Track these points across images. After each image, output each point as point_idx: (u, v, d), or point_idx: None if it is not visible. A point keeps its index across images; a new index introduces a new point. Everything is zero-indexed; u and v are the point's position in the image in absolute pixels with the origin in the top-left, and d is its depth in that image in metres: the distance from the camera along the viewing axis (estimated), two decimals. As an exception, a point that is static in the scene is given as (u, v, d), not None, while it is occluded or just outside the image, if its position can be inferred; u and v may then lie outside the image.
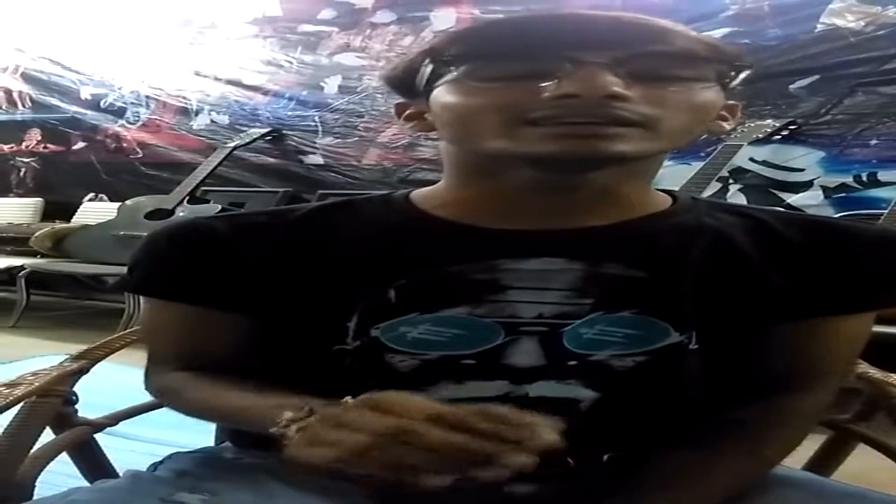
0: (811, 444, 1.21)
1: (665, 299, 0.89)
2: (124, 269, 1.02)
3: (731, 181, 4.45)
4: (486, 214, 0.92)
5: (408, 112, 0.97)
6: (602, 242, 0.91)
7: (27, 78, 7.09)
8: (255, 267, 0.94)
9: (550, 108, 0.80)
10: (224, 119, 6.27)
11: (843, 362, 1.00)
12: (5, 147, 7.12)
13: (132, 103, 6.63)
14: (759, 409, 0.93)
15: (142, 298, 1.02)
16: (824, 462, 1.23)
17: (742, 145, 4.12)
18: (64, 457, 1.18)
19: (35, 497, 1.03)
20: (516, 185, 0.89)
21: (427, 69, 0.88)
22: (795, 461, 1.04)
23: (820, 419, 1.02)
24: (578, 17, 0.83)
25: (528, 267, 0.90)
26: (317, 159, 5.87)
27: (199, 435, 1.24)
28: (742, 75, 0.88)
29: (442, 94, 0.88)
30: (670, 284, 0.90)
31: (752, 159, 4.41)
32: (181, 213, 5.05)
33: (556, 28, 0.83)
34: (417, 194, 1.00)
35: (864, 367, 1.17)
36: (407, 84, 0.93)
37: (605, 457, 0.92)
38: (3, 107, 7.18)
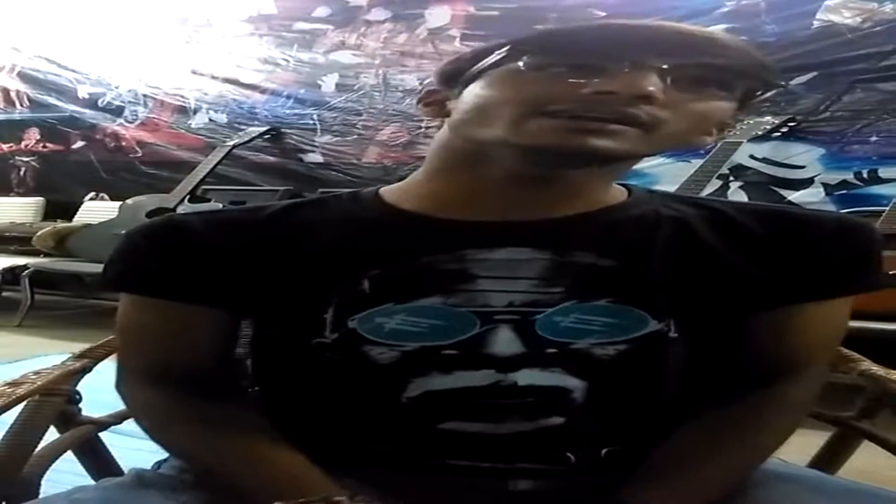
0: (816, 441, 1.22)
1: (638, 287, 0.90)
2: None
3: (731, 179, 4.46)
4: (455, 207, 0.94)
5: (429, 99, 0.98)
6: (567, 233, 0.92)
7: (24, 77, 7.10)
8: (231, 262, 0.94)
9: (574, 102, 0.80)
10: (222, 117, 6.27)
11: (824, 349, 1.00)
12: (4, 146, 7.13)
13: (130, 102, 6.64)
14: (748, 399, 0.93)
15: (120, 298, 1.00)
16: (829, 459, 1.23)
17: (741, 142, 4.12)
18: (69, 455, 1.18)
19: (41, 495, 1.03)
20: (495, 176, 0.91)
21: (494, 57, 0.87)
22: (800, 458, 1.04)
23: (809, 408, 1.02)
24: (629, 24, 0.85)
25: (497, 257, 0.91)
26: (316, 157, 5.88)
27: (204, 433, 1.24)
28: (769, 94, 0.90)
29: (480, 82, 0.88)
30: (641, 272, 0.91)
31: (751, 156, 4.41)
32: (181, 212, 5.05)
33: (626, 34, 0.84)
34: (386, 191, 1.01)
35: (868, 365, 1.17)
36: (456, 74, 0.93)
37: (604, 452, 0.92)
38: (2, 106, 7.19)
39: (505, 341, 0.89)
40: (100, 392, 1.25)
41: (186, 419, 0.94)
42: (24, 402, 1.09)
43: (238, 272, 0.94)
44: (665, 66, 0.80)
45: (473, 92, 0.89)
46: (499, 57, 0.86)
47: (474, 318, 0.89)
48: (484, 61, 0.88)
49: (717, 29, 3.98)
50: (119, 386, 1.00)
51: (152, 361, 0.97)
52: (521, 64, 0.84)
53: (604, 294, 0.90)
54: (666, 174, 4.04)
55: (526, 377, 0.89)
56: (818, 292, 0.93)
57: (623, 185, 1.01)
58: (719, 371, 0.94)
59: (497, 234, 0.92)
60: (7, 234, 5.99)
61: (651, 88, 0.79)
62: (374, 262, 0.92)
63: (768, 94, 0.90)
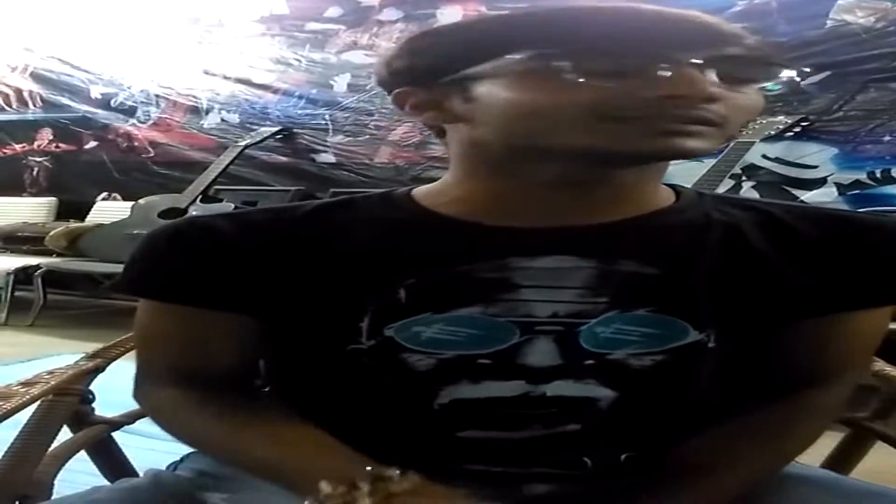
0: (829, 442, 1.21)
1: (680, 297, 0.88)
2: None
3: (743, 178, 4.44)
4: (494, 212, 0.89)
5: (414, 101, 0.91)
6: (613, 239, 0.89)
7: (37, 77, 7.10)
8: (257, 266, 0.91)
9: (646, 106, 0.78)
10: (234, 118, 6.27)
11: (862, 356, 0.99)
12: (17, 146, 7.14)
13: (142, 102, 6.64)
14: (778, 405, 0.92)
15: (139, 302, 0.97)
16: (842, 460, 1.23)
17: (754, 142, 4.11)
18: (83, 455, 1.19)
19: (55, 495, 1.03)
20: (537, 181, 0.87)
21: (469, 53, 0.83)
22: (814, 459, 1.04)
23: (838, 415, 1.01)
24: (667, 15, 0.81)
25: (540, 265, 0.87)
26: (329, 158, 5.87)
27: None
28: (783, 78, 0.88)
29: (496, 84, 0.83)
30: (685, 281, 0.88)
31: (764, 156, 4.39)
32: (194, 212, 5.06)
33: (647, 24, 0.81)
34: (420, 192, 0.97)
35: (881, 365, 1.17)
36: (430, 71, 0.88)
37: (622, 457, 0.91)
38: (14, 106, 7.19)
39: (542, 352, 0.87)
40: (113, 392, 1.26)
41: (210, 412, 0.91)
42: (37, 402, 1.10)
43: (265, 277, 0.90)
44: (700, 62, 0.78)
45: (502, 96, 0.83)
46: (470, 58, 0.83)
47: (514, 329, 0.87)
48: (489, 63, 0.82)
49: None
50: (137, 391, 0.98)
51: (174, 366, 0.94)
52: (551, 63, 0.79)
53: (646, 303, 0.87)
54: (678, 174, 3.95)
55: (557, 388, 0.87)
56: (869, 300, 0.91)
57: (671, 186, 0.98)
58: (751, 379, 0.92)
59: (541, 242, 0.88)
60: (20, 233, 6.01)
61: (713, 89, 0.78)
62: (411, 269, 0.88)
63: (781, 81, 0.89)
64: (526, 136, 0.84)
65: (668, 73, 0.78)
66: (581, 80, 0.79)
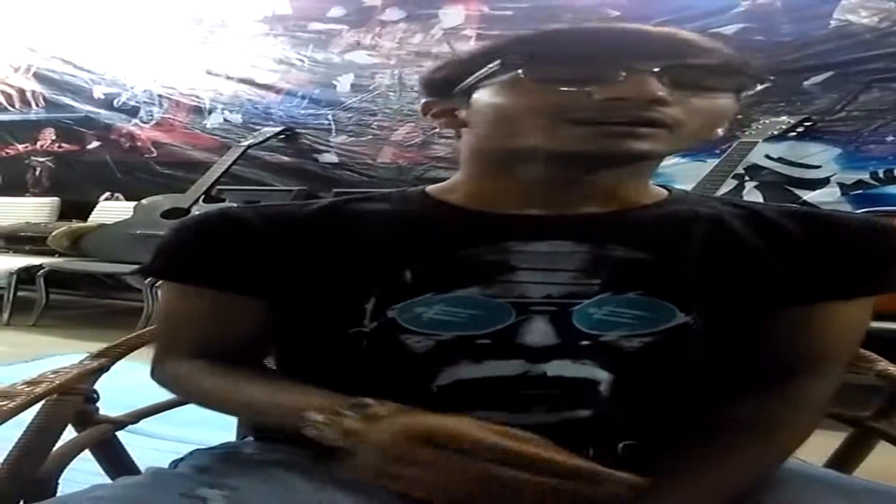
0: (833, 442, 1.21)
1: (669, 281, 0.93)
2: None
3: (746, 178, 4.44)
4: (498, 202, 0.98)
5: (435, 110, 1.02)
6: (606, 227, 0.96)
7: (40, 77, 7.11)
8: (278, 254, 0.99)
9: (596, 109, 0.86)
10: (237, 118, 6.28)
11: (844, 349, 1.01)
12: (20, 147, 7.15)
13: (145, 102, 6.65)
14: (766, 396, 0.94)
15: (162, 286, 1.05)
16: (846, 459, 1.23)
17: (757, 142, 4.12)
18: (87, 454, 1.19)
19: (58, 494, 1.04)
20: (534, 178, 0.95)
21: (486, 69, 0.92)
22: (817, 458, 1.04)
23: (828, 407, 1.02)
24: (634, 31, 0.90)
25: (537, 249, 0.94)
26: (331, 158, 5.88)
27: (221, 431, 1.25)
28: (758, 88, 0.99)
29: (489, 94, 0.93)
30: (674, 266, 0.94)
31: (767, 156, 4.39)
32: (196, 212, 5.06)
33: (615, 39, 0.91)
34: (433, 188, 1.06)
35: (884, 365, 1.17)
36: (448, 83, 0.98)
37: (620, 446, 0.92)
38: (17, 106, 7.20)
39: (539, 332, 0.92)
40: (117, 391, 1.26)
41: (219, 373, 1.00)
42: (42, 401, 1.10)
43: (284, 263, 0.99)
44: (654, 70, 0.86)
45: (488, 103, 0.94)
46: (494, 69, 0.91)
47: (510, 309, 0.92)
48: (478, 73, 0.93)
49: (727, 29, 3.99)
50: (155, 368, 1.07)
51: (195, 342, 1.04)
52: (521, 73, 0.89)
53: (636, 286, 0.93)
54: (681, 174, 4.00)
55: (555, 368, 0.91)
56: (843, 291, 0.95)
57: (664, 186, 1.05)
58: (738, 367, 0.95)
59: (538, 227, 0.95)
60: (22, 233, 6.01)
61: (659, 93, 0.85)
62: (418, 255, 0.96)
63: (757, 89, 0.98)
64: (501, 139, 0.95)
65: (619, 80, 0.86)
66: (543, 87, 0.88)
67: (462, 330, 0.92)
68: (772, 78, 1.03)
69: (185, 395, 1.09)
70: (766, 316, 0.95)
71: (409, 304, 0.93)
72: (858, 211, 3.87)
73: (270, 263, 0.99)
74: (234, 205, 1.15)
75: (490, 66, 0.91)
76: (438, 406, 0.89)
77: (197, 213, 1.04)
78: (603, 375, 0.91)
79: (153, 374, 1.06)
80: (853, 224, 0.97)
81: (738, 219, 0.98)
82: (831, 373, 0.98)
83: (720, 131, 0.96)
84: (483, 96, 0.94)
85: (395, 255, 0.96)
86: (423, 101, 1.04)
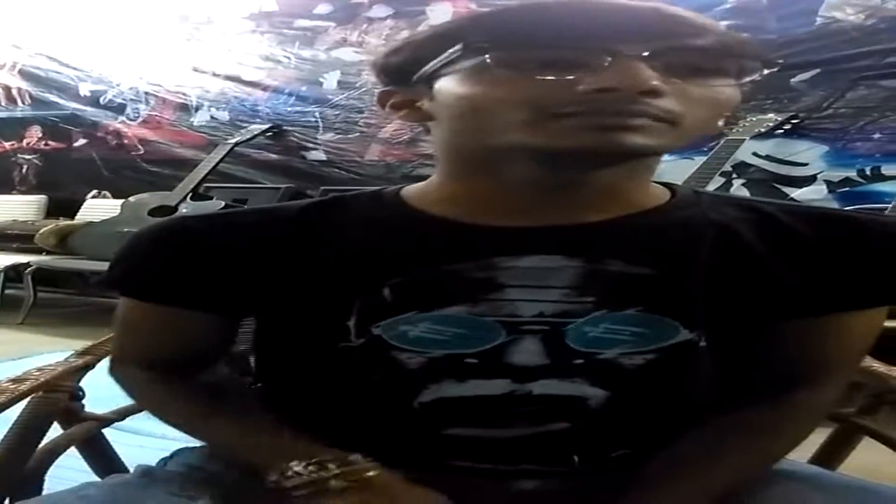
0: (817, 438, 1.21)
1: (673, 296, 0.86)
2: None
3: (734, 176, 4.45)
4: (481, 211, 0.88)
5: (393, 100, 0.92)
6: (601, 239, 0.87)
7: (25, 75, 7.10)
8: (241, 268, 0.92)
9: (583, 101, 0.75)
10: (224, 115, 6.27)
11: (855, 357, 0.98)
12: (6, 144, 7.13)
13: (132, 100, 6.63)
14: (767, 405, 0.91)
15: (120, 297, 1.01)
16: (830, 455, 1.23)
17: (744, 140, 4.12)
18: (73, 451, 1.19)
19: (45, 491, 1.04)
20: (519, 180, 0.86)
21: (443, 54, 0.81)
22: (801, 455, 1.04)
23: (825, 415, 1.01)
24: (617, 7, 0.78)
25: (525, 265, 0.86)
26: (319, 155, 5.87)
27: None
28: (764, 73, 0.83)
29: (455, 82, 0.82)
30: (678, 281, 0.86)
31: (755, 154, 4.41)
32: (184, 210, 5.05)
33: (593, 16, 0.77)
34: (408, 191, 0.96)
35: (869, 361, 1.17)
36: (405, 70, 0.88)
37: (612, 455, 0.91)
38: (3, 104, 7.18)
39: (529, 352, 0.86)
40: (103, 389, 1.25)
41: (179, 396, 0.98)
42: (27, 399, 1.10)
43: (249, 277, 0.92)
44: (644, 54, 0.75)
45: (453, 93, 0.83)
46: (457, 53, 0.80)
47: (500, 328, 0.86)
48: (438, 59, 0.82)
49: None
50: (112, 368, 1.03)
51: (147, 354, 1.00)
52: (487, 59, 0.78)
53: (635, 303, 0.86)
54: (668, 171, 3.94)
55: (543, 387, 0.87)
56: (863, 301, 0.90)
57: (667, 185, 0.97)
58: (741, 378, 0.92)
59: (526, 241, 0.86)
60: (9, 231, 5.99)
61: (653, 82, 0.74)
62: (397, 268, 0.88)
63: (761, 75, 0.83)
64: (473, 136, 0.85)
65: (604, 65, 0.75)
66: (517, 75, 0.78)
67: (449, 348, 0.87)
68: (774, 63, 0.90)
69: (141, 404, 1.06)
70: (778, 327, 0.89)
71: (394, 322, 0.87)
72: (847, 209, 3.88)
73: (229, 277, 0.92)
74: (206, 212, 1.05)
75: (451, 50, 0.80)
76: (418, 422, 0.89)
77: (158, 220, 1.00)
78: (594, 392, 0.87)
79: (110, 373, 1.03)
80: (877, 228, 0.89)
81: (749, 225, 0.89)
82: (840, 380, 0.96)
83: (721, 123, 0.85)
84: (447, 85, 0.83)
85: (372, 267, 0.88)
86: (379, 90, 0.93)
